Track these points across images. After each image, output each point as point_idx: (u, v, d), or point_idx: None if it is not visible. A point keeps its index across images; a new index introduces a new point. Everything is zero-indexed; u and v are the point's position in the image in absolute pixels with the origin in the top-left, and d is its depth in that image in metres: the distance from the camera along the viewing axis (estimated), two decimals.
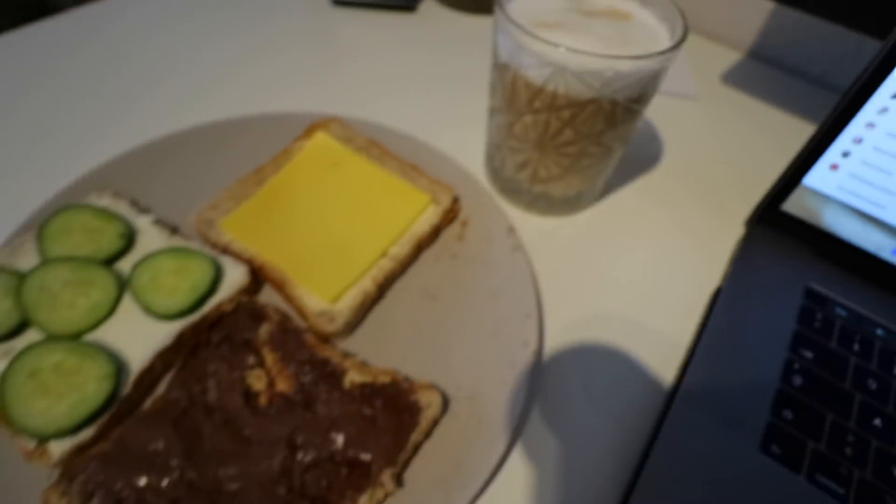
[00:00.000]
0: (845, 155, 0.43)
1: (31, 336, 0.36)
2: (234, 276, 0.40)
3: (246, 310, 0.39)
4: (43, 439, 0.32)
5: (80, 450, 0.33)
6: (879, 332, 0.43)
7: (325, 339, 0.39)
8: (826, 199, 0.45)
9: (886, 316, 0.44)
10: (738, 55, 0.72)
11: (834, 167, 0.43)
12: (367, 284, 0.41)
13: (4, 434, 0.33)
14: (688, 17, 0.72)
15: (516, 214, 0.50)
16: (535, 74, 0.40)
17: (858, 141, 0.42)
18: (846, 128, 0.42)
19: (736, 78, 0.68)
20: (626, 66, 0.37)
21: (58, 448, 0.32)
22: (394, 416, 0.35)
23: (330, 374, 0.37)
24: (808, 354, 0.41)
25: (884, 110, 0.40)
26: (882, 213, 0.43)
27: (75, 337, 0.36)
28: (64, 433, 0.32)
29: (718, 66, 0.70)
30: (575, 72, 0.38)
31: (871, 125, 0.41)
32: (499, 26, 0.41)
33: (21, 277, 0.37)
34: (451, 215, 0.46)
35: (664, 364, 0.42)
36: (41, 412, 0.32)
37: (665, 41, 0.41)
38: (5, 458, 0.33)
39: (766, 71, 0.71)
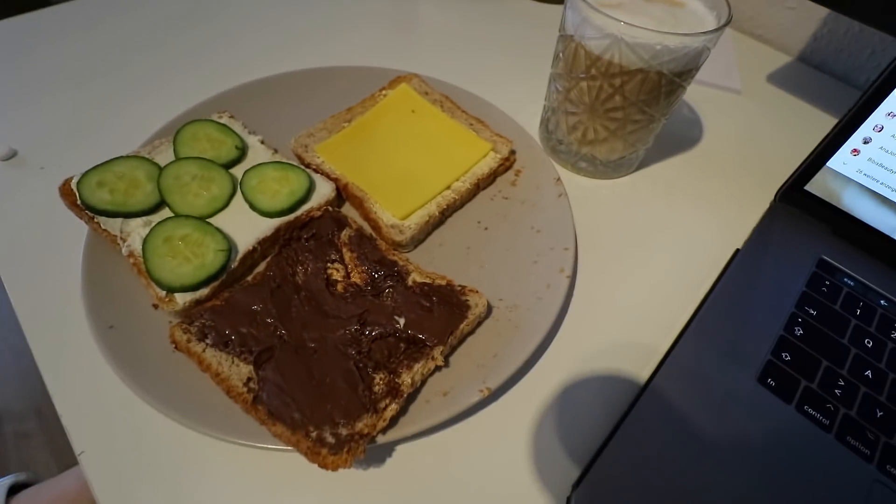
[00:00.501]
0: (866, 141, 0.48)
1: (165, 214, 0.45)
2: (324, 190, 0.49)
3: (331, 216, 0.47)
4: (171, 291, 0.41)
5: (197, 303, 0.41)
6: (883, 302, 0.48)
7: (394, 247, 0.47)
8: (846, 181, 0.50)
9: (892, 290, 0.48)
10: (786, 58, 0.77)
11: (855, 152, 0.49)
12: (431, 209, 0.49)
13: (140, 285, 0.42)
14: (743, 20, 0.78)
15: (561, 174, 0.57)
16: (595, 44, 0.46)
17: (879, 129, 0.47)
18: (869, 116, 0.47)
19: (781, 78, 0.73)
20: (672, 41, 0.44)
21: (182, 298, 0.41)
22: (447, 309, 0.42)
23: (396, 273, 0.44)
24: (812, 312, 0.46)
25: None
26: None
27: (199, 219, 0.44)
28: (187, 288, 0.41)
29: (766, 67, 0.75)
30: (629, 43, 0.44)
31: (891, 115, 0.46)
32: (569, 3, 0.48)
33: (160, 169, 0.46)
34: (507, 163, 0.54)
35: (681, 305, 0.48)
36: (171, 269, 0.41)
37: (710, 27, 0.47)
38: (141, 304, 0.42)
39: (811, 74, 0.75)
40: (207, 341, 0.39)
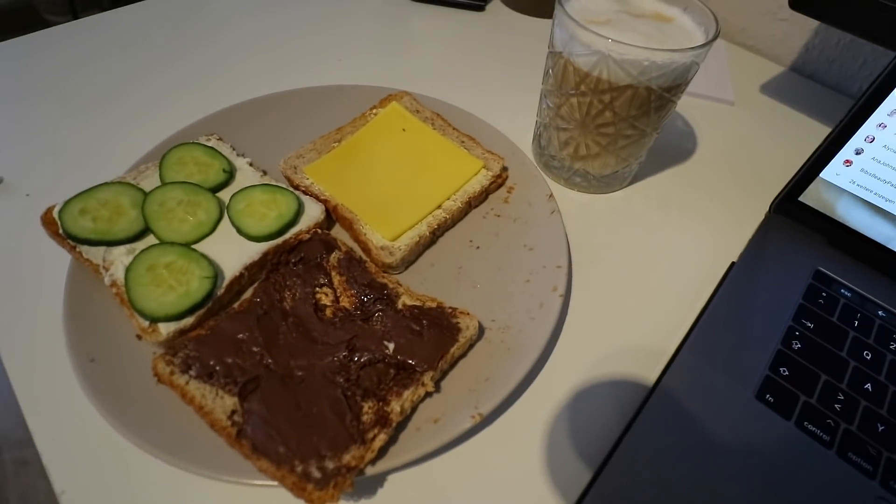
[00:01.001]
0: (858, 152, 0.47)
1: (150, 241, 0.44)
2: (313, 212, 0.48)
3: (320, 239, 0.46)
4: (154, 321, 0.40)
5: (182, 333, 0.40)
6: (881, 313, 0.47)
7: (384, 270, 0.46)
8: (840, 191, 0.50)
9: (890, 301, 0.48)
10: (779, 69, 0.77)
11: (848, 162, 0.48)
12: (422, 229, 0.48)
13: (123, 315, 0.41)
14: (734, 32, 0.78)
15: (555, 189, 0.57)
16: (583, 61, 0.46)
17: (871, 140, 0.47)
18: (859, 128, 0.47)
19: (774, 88, 0.73)
20: (660, 57, 0.43)
21: (165, 329, 0.40)
22: (437, 333, 0.41)
23: (386, 297, 0.43)
24: (810, 324, 0.45)
25: (894, 112, 0.45)
26: (891, 206, 0.47)
27: (184, 245, 0.43)
28: (171, 318, 0.40)
29: (759, 77, 0.75)
30: (616, 60, 0.44)
31: (882, 125, 0.46)
32: (557, 20, 0.48)
33: (145, 194, 0.45)
34: (499, 181, 0.53)
35: (676, 323, 0.47)
36: (155, 299, 0.40)
37: (698, 41, 0.47)
38: (124, 335, 0.41)
39: (804, 84, 0.75)
40: (191, 373, 0.38)
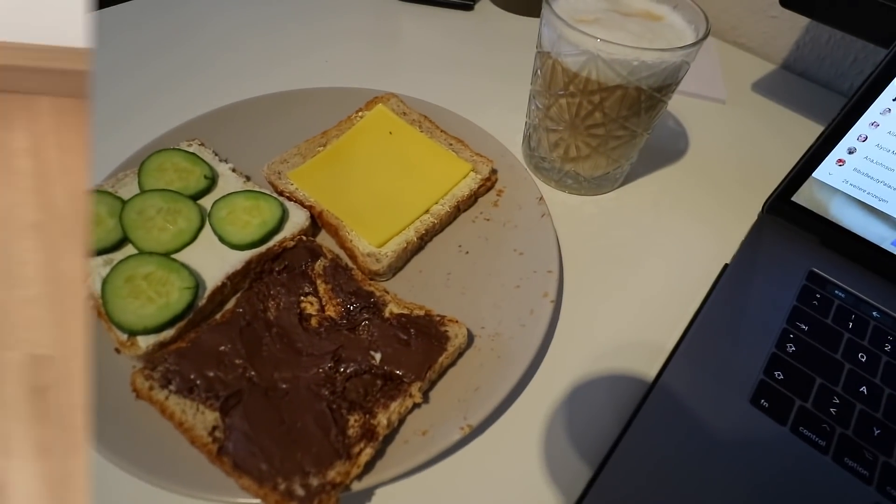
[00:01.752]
0: (851, 151, 0.47)
1: (128, 251, 0.43)
2: (297, 219, 0.47)
3: (305, 246, 0.45)
4: (133, 334, 0.39)
5: (161, 346, 0.39)
6: (875, 314, 0.46)
7: (371, 277, 0.45)
8: (833, 191, 0.49)
9: (884, 302, 0.47)
10: (770, 66, 0.76)
11: (840, 162, 0.47)
12: (409, 235, 0.47)
13: (101, 328, 0.40)
14: (726, 30, 0.77)
15: (546, 191, 0.56)
16: (572, 61, 0.45)
17: (863, 139, 0.46)
18: (851, 127, 0.46)
19: (765, 86, 0.72)
20: (650, 57, 0.42)
21: (144, 342, 0.39)
22: (425, 342, 0.40)
23: (373, 305, 0.42)
24: (804, 327, 0.45)
25: (886, 111, 0.44)
26: (884, 206, 0.47)
27: (164, 255, 0.42)
28: (150, 331, 0.39)
29: (751, 75, 0.74)
30: (606, 60, 0.43)
31: (874, 124, 0.45)
32: (544, 19, 0.47)
33: (123, 203, 0.44)
34: (488, 184, 0.52)
35: (669, 327, 0.46)
36: (133, 311, 0.39)
37: (689, 40, 0.46)
38: (101, 349, 0.39)
39: (795, 81, 0.75)
40: (171, 387, 0.37)
